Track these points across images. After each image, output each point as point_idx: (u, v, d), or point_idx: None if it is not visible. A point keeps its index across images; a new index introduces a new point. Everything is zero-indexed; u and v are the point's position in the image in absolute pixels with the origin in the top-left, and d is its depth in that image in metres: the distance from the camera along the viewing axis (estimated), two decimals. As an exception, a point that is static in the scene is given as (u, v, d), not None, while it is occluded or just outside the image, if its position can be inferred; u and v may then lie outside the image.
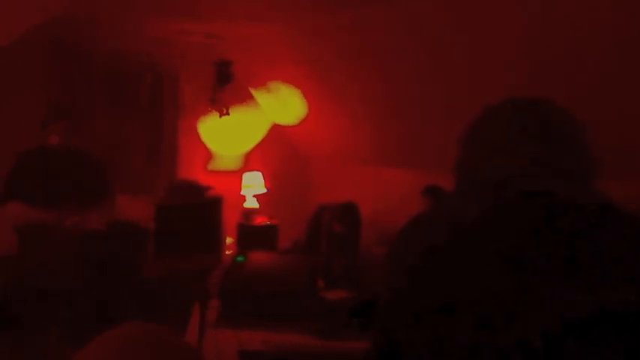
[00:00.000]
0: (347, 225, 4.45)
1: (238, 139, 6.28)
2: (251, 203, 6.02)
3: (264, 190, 6.07)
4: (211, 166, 6.22)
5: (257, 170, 6.18)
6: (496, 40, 3.20)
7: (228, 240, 5.63)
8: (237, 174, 6.18)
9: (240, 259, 3.63)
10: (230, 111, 5.84)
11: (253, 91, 6.19)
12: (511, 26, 3.06)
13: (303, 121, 5.87)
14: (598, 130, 1.33)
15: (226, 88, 5.73)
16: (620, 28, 2.67)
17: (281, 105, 5.96)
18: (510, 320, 1.08)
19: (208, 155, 6.20)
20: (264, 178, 6.11)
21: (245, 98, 6.17)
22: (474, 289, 1.16)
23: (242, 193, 6.03)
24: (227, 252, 5.41)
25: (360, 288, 3.49)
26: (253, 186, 6.04)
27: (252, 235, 5.67)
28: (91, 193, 3.86)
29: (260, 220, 5.85)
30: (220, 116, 5.82)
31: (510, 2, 2.95)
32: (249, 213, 5.91)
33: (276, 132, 6.42)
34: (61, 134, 3.78)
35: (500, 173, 1.31)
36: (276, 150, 6.38)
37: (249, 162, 6.37)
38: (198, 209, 5.13)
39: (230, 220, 5.53)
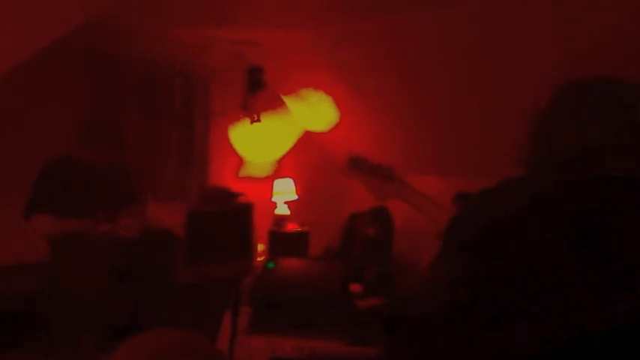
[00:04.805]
0: (380, 228, 4.43)
1: (269, 145, 6.29)
2: (282, 210, 6.01)
3: (295, 197, 6.06)
4: (242, 173, 6.22)
5: (288, 177, 6.17)
6: (532, 46, 3.15)
7: (260, 247, 5.63)
8: (268, 180, 6.18)
9: (270, 265, 3.62)
10: (261, 117, 5.84)
11: (285, 98, 6.19)
12: (548, 31, 3.02)
13: (335, 128, 5.85)
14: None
15: (258, 95, 5.73)
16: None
17: (312, 111, 5.95)
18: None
19: (239, 162, 6.21)
20: (295, 185, 6.10)
21: (276, 105, 6.18)
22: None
23: (273, 199, 6.03)
24: (258, 259, 5.40)
25: (393, 295, 3.46)
26: (284, 192, 6.03)
27: (283, 242, 5.67)
28: (119, 201, 3.88)
29: (291, 227, 5.84)
30: (251, 123, 5.82)
31: (547, 5, 2.91)
32: (280, 220, 5.90)
33: (308, 138, 6.41)
34: (100, 154, 3.79)
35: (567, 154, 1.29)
36: (308, 157, 6.37)
37: (281, 168, 6.37)
38: (229, 216, 5.12)
39: (261, 226, 5.52)
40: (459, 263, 1.25)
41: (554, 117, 1.37)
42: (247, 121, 5.85)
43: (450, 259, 1.30)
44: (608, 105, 1.29)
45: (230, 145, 6.12)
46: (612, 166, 1.22)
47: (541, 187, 1.24)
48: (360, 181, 2.34)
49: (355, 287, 3.60)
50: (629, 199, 1.14)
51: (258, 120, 5.85)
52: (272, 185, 6.09)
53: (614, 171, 1.20)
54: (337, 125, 5.78)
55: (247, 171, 6.25)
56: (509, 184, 1.30)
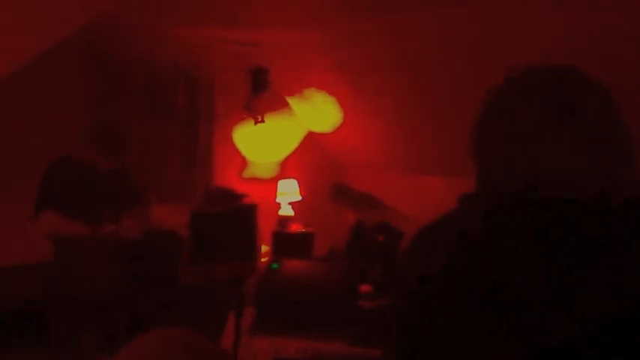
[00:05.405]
0: (390, 236, 4.43)
1: (273, 146, 6.29)
2: (286, 211, 6.01)
3: (299, 198, 6.07)
4: (246, 174, 6.23)
5: (292, 178, 6.18)
6: (532, 46, 3.15)
7: (264, 248, 5.63)
8: (272, 181, 6.18)
9: (274, 266, 3.63)
10: (265, 118, 5.85)
11: (288, 99, 6.20)
12: (549, 30, 3.02)
13: (339, 129, 5.86)
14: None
15: (261, 96, 5.74)
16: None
17: (316, 112, 5.96)
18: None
19: (243, 163, 6.22)
20: (299, 186, 6.10)
21: (280, 106, 6.18)
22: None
23: (277, 200, 6.04)
24: (262, 260, 5.41)
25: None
26: (288, 193, 6.04)
27: (287, 243, 5.66)
28: (123, 203, 3.89)
29: (295, 228, 5.85)
30: (255, 124, 5.83)
31: (547, 5, 2.91)
32: (285, 220, 5.91)
33: (312, 139, 6.42)
34: (104, 155, 3.80)
35: (517, 173, 1.18)
36: (311, 157, 6.37)
37: (285, 169, 6.38)
38: (233, 217, 5.13)
39: (265, 227, 5.53)
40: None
41: (499, 128, 1.25)
42: (251, 121, 5.86)
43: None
44: (566, 110, 1.16)
45: (234, 146, 6.13)
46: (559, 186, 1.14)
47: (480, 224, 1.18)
48: (345, 206, 2.34)
49: (365, 288, 3.60)
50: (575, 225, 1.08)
51: (262, 121, 5.86)
52: (276, 186, 6.10)
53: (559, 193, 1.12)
54: (341, 126, 5.78)
55: (251, 172, 6.26)
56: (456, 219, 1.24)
